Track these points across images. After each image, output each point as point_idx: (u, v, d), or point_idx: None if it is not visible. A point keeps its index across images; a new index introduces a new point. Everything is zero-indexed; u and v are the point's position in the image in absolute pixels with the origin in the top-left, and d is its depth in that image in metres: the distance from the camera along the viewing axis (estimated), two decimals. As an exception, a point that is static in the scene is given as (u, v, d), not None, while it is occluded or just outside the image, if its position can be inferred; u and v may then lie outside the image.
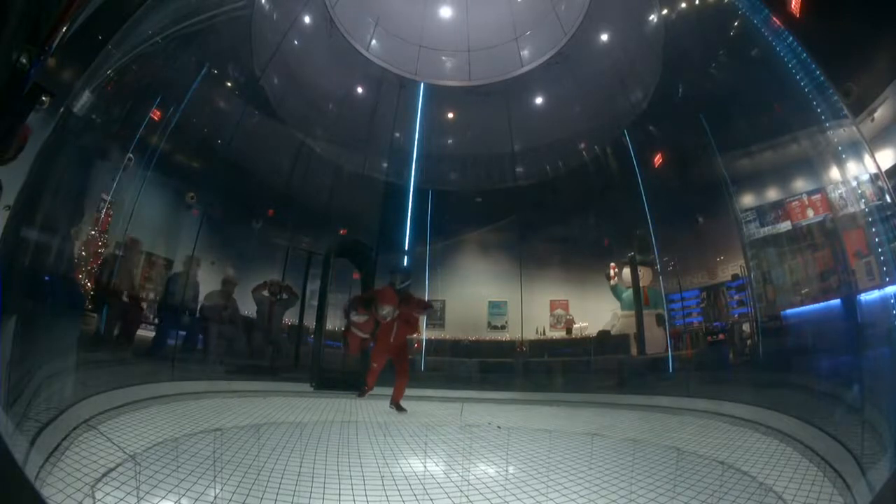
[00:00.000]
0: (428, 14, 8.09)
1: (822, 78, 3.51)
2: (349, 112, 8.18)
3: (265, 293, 7.14)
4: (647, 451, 3.22)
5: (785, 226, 4.82)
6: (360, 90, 8.25)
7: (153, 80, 4.87)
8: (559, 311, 8.10)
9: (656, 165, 7.24)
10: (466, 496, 2.18)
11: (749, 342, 5.47)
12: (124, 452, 2.41)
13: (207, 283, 6.48)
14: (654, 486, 2.34)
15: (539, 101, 8.32)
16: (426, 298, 8.33)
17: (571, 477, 2.52)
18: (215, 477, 2.18)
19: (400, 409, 5.09)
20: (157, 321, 5.59)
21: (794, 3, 3.69)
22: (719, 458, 2.89)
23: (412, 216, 8.26)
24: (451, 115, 8.66)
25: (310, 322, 7.51)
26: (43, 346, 2.82)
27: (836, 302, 3.92)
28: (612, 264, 7.67)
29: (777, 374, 4.66)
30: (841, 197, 3.78)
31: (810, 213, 4.50)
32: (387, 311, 5.27)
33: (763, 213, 5.14)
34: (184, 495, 1.97)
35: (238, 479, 2.22)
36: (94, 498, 1.82)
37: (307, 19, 7.29)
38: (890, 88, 3.10)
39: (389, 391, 5.29)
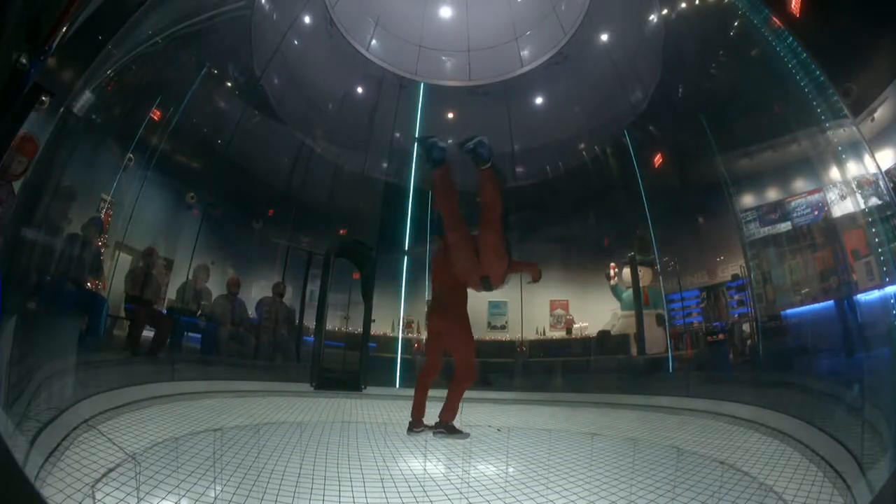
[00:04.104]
0: (428, 14, 8.09)
1: (822, 78, 3.51)
2: (349, 112, 8.18)
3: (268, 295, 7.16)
4: (647, 451, 3.22)
5: (785, 226, 4.82)
6: (359, 90, 8.25)
7: (153, 80, 4.87)
8: (559, 311, 8.10)
9: (656, 165, 7.24)
10: (466, 497, 2.18)
11: (749, 342, 5.47)
12: (124, 452, 2.41)
13: (211, 284, 6.49)
14: (654, 486, 2.34)
15: (539, 101, 8.32)
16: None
17: (571, 477, 2.52)
18: (215, 477, 2.18)
19: (454, 432, 3.41)
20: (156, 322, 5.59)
21: (794, 3, 3.69)
22: (719, 458, 2.89)
23: (412, 216, 8.25)
24: (450, 115, 8.66)
25: (310, 322, 7.51)
26: (43, 345, 2.82)
27: (836, 302, 3.92)
28: (612, 264, 7.67)
29: (777, 374, 4.66)
30: (841, 197, 3.78)
31: (810, 213, 4.50)
32: None
33: (763, 213, 5.14)
34: (184, 495, 1.97)
35: (238, 479, 2.22)
36: (94, 498, 1.82)
37: (307, 19, 7.29)
38: (890, 88, 3.10)
39: (390, 390, 5.21)
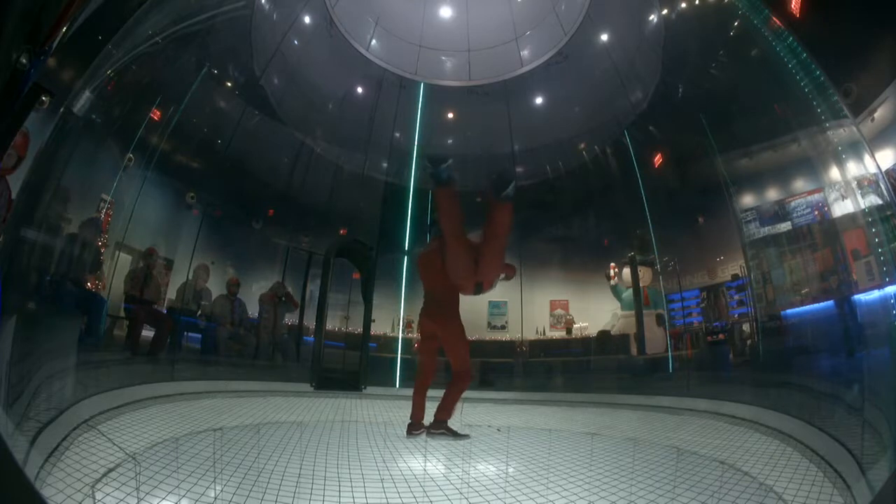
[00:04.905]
0: (428, 14, 8.09)
1: (822, 78, 3.50)
2: (349, 112, 8.18)
3: (268, 294, 7.16)
4: (647, 451, 3.22)
5: (785, 226, 4.81)
6: (360, 90, 8.26)
7: (153, 80, 4.87)
8: (559, 311, 8.10)
9: (656, 165, 7.24)
10: (466, 497, 2.18)
11: (749, 342, 5.47)
12: (124, 452, 2.41)
13: (211, 284, 6.49)
14: (654, 486, 2.33)
15: (539, 101, 8.32)
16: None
17: (571, 477, 2.52)
18: (215, 477, 2.18)
19: (450, 432, 3.54)
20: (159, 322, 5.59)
21: (794, 3, 3.69)
22: (719, 458, 2.89)
23: (412, 216, 8.25)
24: (451, 115, 8.66)
25: (310, 322, 7.52)
26: (43, 345, 2.82)
27: (836, 302, 3.92)
28: (612, 264, 7.67)
29: (777, 374, 4.66)
30: (841, 197, 3.78)
31: (810, 213, 4.50)
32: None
33: (763, 213, 5.14)
34: (184, 496, 1.97)
35: (238, 479, 2.22)
36: (94, 498, 1.82)
37: (307, 19, 7.29)
38: (890, 88, 3.10)
39: (390, 390, 5.21)
